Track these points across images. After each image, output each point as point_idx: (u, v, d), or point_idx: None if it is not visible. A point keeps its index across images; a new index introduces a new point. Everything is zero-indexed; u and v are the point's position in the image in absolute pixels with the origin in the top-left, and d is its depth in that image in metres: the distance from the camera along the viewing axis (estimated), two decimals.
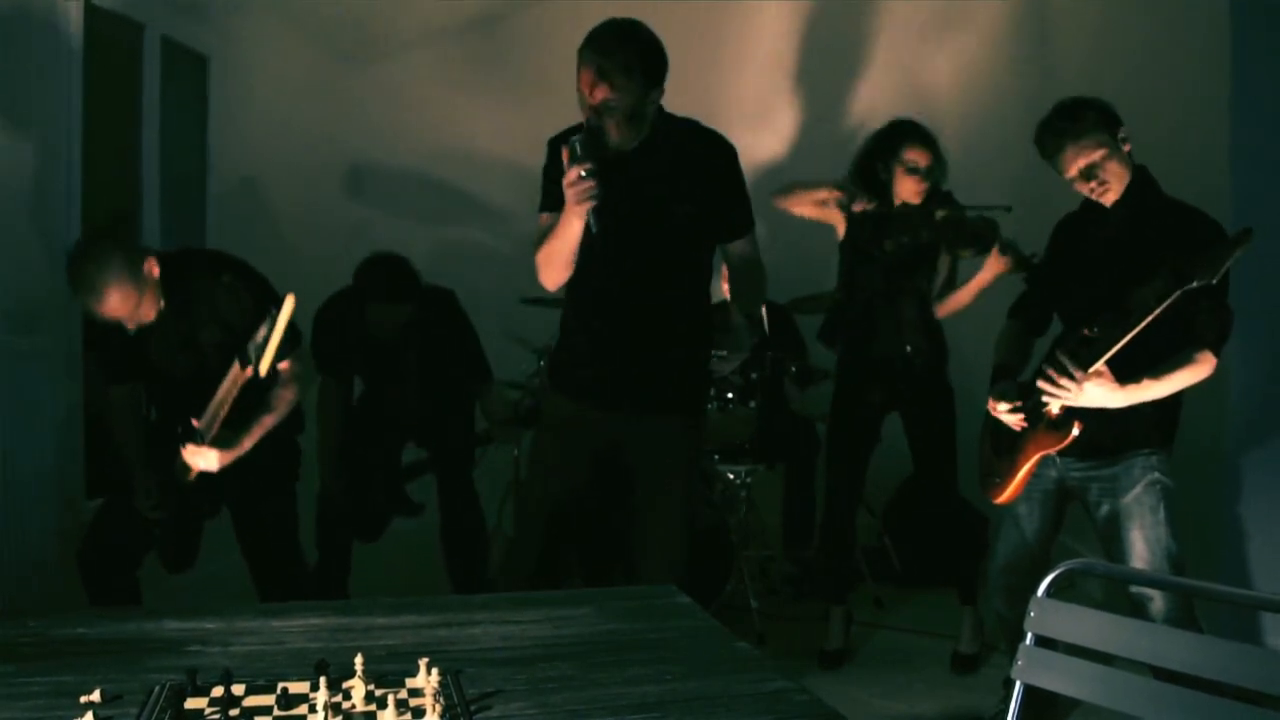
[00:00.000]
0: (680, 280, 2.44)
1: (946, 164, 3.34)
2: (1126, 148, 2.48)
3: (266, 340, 2.28)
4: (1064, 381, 2.33)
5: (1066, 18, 4.63)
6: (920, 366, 3.34)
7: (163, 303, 2.58)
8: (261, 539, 2.81)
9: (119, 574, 2.68)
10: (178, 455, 2.56)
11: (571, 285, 2.45)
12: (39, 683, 1.26)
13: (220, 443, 2.52)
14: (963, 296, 3.35)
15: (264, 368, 2.31)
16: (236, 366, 2.38)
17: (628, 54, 2.20)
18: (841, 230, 3.45)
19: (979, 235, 3.20)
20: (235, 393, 2.44)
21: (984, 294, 3.35)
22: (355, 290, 3.45)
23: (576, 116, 2.36)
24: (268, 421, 2.63)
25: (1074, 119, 2.46)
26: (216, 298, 2.64)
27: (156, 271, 2.55)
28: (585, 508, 2.59)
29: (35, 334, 2.94)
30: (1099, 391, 2.31)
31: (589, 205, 2.14)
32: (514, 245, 4.55)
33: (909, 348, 3.32)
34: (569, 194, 2.15)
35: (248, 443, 2.59)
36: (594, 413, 2.45)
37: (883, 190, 3.31)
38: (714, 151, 2.41)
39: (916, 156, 3.25)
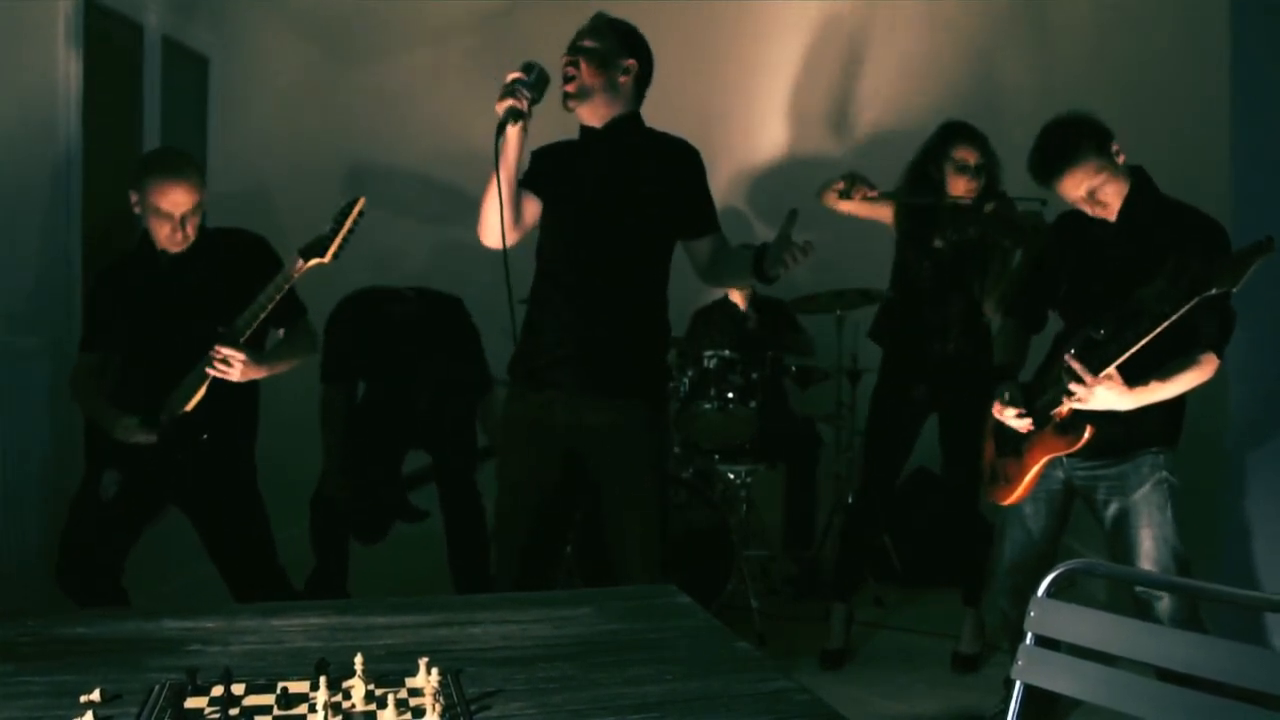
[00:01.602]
0: (640, 271, 2.50)
1: (999, 162, 3.35)
2: (1121, 159, 2.46)
3: (335, 231, 2.51)
4: (1075, 386, 2.33)
5: (1067, 18, 4.64)
6: (963, 367, 3.33)
7: (194, 236, 2.68)
8: (231, 549, 2.78)
9: (102, 581, 2.63)
10: (168, 393, 2.60)
11: (536, 278, 2.54)
12: (38, 682, 1.26)
13: (249, 352, 2.56)
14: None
15: (329, 256, 2.53)
16: (299, 260, 2.53)
17: (607, 19, 2.49)
18: (892, 226, 3.47)
19: (1021, 227, 3.20)
20: (285, 291, 2.55)
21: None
22: (362, 293, 3.49)
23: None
24: (282, 366, 2.71)
25: (1065, 150, 2.44)
26: (242, 250, 2.77)
27: (204, 205, 2.69)
28: (561, 511, 2.59)
29: (35, 334, 2.94)
30: (1109, 395, 2.31)
31: (509, 103, 2.25)
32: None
33: (952, 347, 3.32)
34: (500, 93, 2.27)
35: (266, 369, 2.63)
36: (555, 409, 2.45)
37: (936, 190, 3.33)
38: (680, 151, 2.53)
39: (965, 155, 3.29)
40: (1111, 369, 2.29)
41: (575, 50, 2.43)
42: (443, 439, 3.65)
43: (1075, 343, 2.43)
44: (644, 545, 2.47)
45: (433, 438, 3.66)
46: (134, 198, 2.66)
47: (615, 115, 2.46)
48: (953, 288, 3.35)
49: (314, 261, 2.54)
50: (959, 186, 3.30)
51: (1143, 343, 2.24)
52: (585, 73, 2.41)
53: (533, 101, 2.29)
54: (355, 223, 2.54)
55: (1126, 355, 2.26)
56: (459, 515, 3.60)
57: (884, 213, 3.46)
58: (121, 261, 2.84)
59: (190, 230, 2.66)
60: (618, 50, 2.44)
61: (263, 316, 2.57)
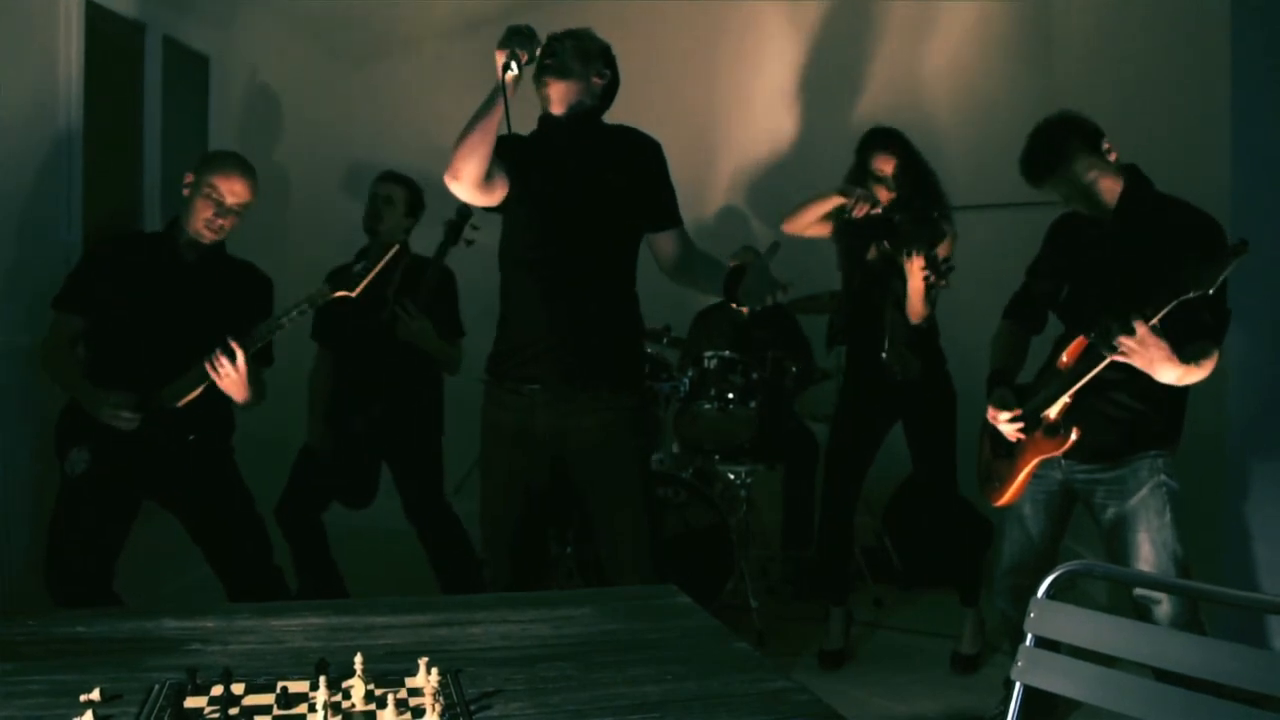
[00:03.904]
0: (611, 262, 2.49)
1: (922, 166, 3.38)
2: (1113, 157, 2.46)
3: (367, 270, 2.63)
4: (1124, 339, 2.21)
5: (1067, 18, 4.64)
6: (907, 373, 3.35)
7: (226, 233, 2.78)
8: (228, 551, 2.79)
9: (92, 587, 2.61)
10: (147, 379, 2.60)
11: (506, 272, 2.53)
12: (38, 681, 1.26)
13: (250, 365, 2.58)
14: (913, 306, 3.26)
15: (356, 291, 2.64)
16: (326, 287, 2.62)
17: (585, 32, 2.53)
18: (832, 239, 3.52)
19: (914, 239, 3.21)
20: (303, 314, 2.59)
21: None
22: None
23: None
24: (250, 399, 2.67)
25: (1055, 150, 2.43)
26: (251, 284, 2.88)
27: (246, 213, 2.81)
28: (549, 513, 2.59)
29: (35, 334, 2.94)
30: (1157, 354, 2.22)
31: (507, 50, 2.23)
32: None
33: (884, 355, 3.33)
34: (502, 39, 2.26)
35: (247, 391, 2.61)
36: (538, 412, 2.44)
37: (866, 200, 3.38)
38: (642, 143, 2.53)
39: (881, 164, 3.34)
40: (1156, 320, 2.20)
41: (564, 34, 2.46)
42: (402, 450, 3.57)
43: (1069, 339, 2.43)
44: (635, 544, 2.47)
45: (395, 449, 3.58)
46: (189, 177, 2.76)
47: (580, 107, 2.47)
48: (885, 296, 3.36)
49: (340, 293, 2.63)
50: (881, 195, 3.35)
51: (1159, 316, 2.20)
52: (570, 54, 2.43)
53: (527, 61, 2.28)
54: (385, 266, 2.66)
55: (1167, 310, 2.18)
56: (429, 526, 3.58)
57: (825, 228, 3.52)
58: (140, 237, 2.87)
59: (228, 225, 2.76)
60: (598, 57, 2.49)
61: (277, 331, 2.61)
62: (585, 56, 2.46)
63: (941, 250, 3.26)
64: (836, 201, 3.38)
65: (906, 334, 3.33)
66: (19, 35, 2.91)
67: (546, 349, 2.42)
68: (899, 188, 3.34)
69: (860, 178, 3.40)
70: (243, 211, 2.78)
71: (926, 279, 3.12)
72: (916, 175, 3.36)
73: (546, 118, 2.50)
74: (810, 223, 3.46)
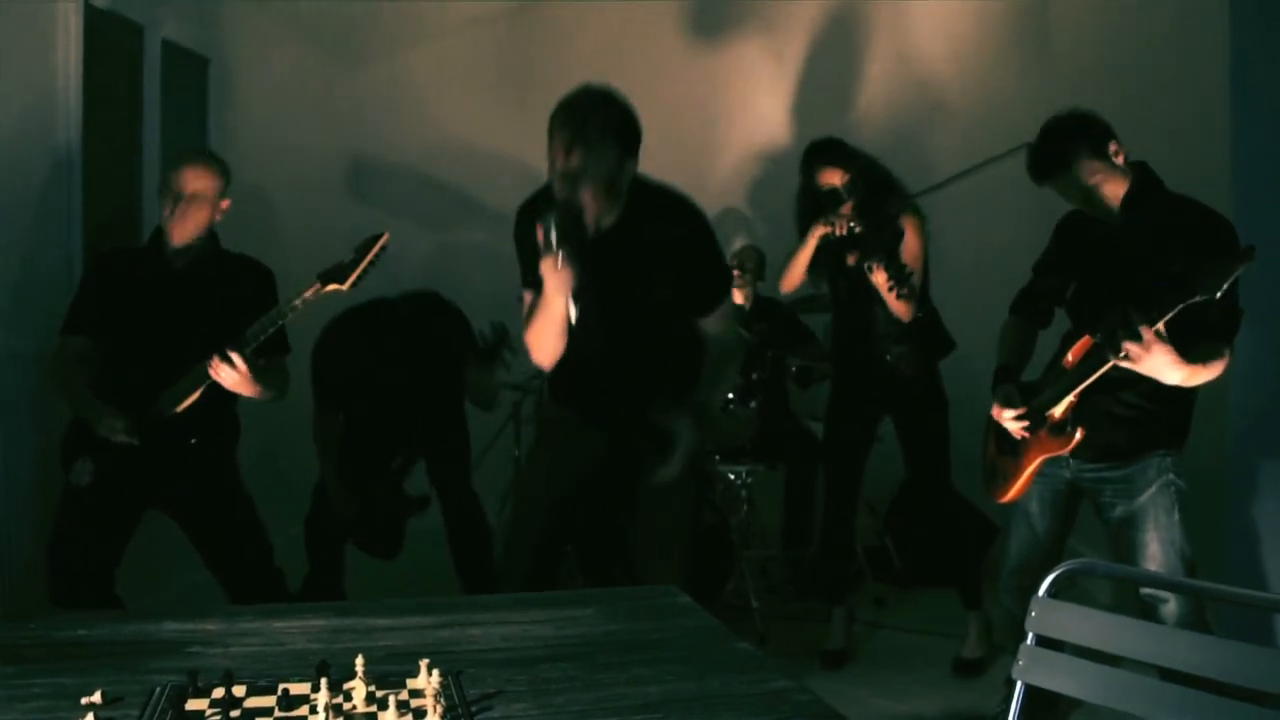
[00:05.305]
0: (663, 355, 2.43)
1: (871, 169, 3.36)
2: (1120, 159, 2.45)
3: (357, 262, 2.58)
4: (1131, 345, 2.20)
5: (1068, 18, 4.64)
6: (904, 372, 3.35)
7: (203, 227, 2.73)
8: (229, 554, 2.79)
9: (94, 591, 2.61)
10: (152, 391, 2.60)
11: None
12: (40, 684, 1.26)
13: (251, 362, 2.55)
14: (893, 310, 3.27)
15: (348, 284, 2.58)
16: (317, 284, 2.57)
17: (603, 119, 2.18)
18: None
19: (882, 248, 3.20)
20: (296, 310, 2.57)
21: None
22: (346, 316, 3.44)
23: None
24: (262, 394, 2.65)
25: (1058, 153, 2.42)
26: (251, 277, 2.82)
27: (226, 204, 2.78)
28: (586, 506, 2.59)
29: (35, 334, 2.94)
30: (1163, 360, 2.20)
31: (568, 292, 2.16)
32: (514, 245, 4.55)
33: (888, 356, 3.33)
34: (548, 282, 2.16)
35: (255, 387, 2.59)
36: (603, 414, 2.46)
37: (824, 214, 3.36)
38: (687, 225, 2.38)
39: (829, 178, 3.32)
40: (1161, 325, 2.19)
41: (577, 177, 2.18)
42: (433, 438, 3.59)
43: (1074, 338, 2.43)
44: (667, 551, 2.48)
45: (424, 438, 3.60)
46: (161, 194, 2.74)
47: (617, 215, 2.30)
48: (868, 300, 3.34)
49: (332, 287, 2.58)
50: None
51: (1164, 320, 2.19)
52: (600, 204, 2.22)
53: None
54: (377, 256, 2.60)
55: (1170, 315, 2.17)
56: (459, 512, 3.57)
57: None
58: (129, 251, 2.86)
59: (200, 216, 2.69)
60: (620, 158, 2.22)
61: (271, 331, 2.58)
62: (613, 182, 2.21)
63: (910, 242, 3.25)
64: (819, 234, 3.35)
65: (900, 331, 3.34)
66: (18, 38, 2.91)
67: (610, 418, 2.43)
68: (851, 196, 3.31)
69: (809, 193, 3.37)
70: (209, 198, 2.70)
71: (891, 289, 3.12)
72: (866, 180, 3.34)
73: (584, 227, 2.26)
74: (804, 268, 3.44)
